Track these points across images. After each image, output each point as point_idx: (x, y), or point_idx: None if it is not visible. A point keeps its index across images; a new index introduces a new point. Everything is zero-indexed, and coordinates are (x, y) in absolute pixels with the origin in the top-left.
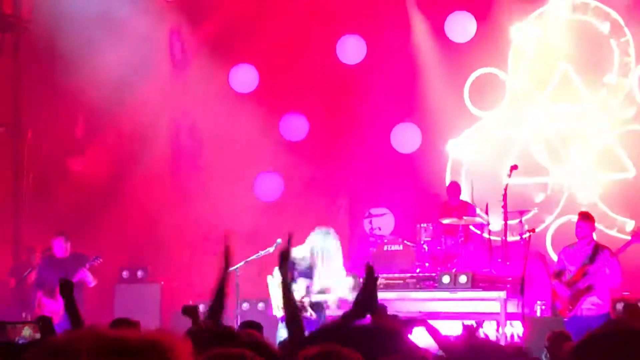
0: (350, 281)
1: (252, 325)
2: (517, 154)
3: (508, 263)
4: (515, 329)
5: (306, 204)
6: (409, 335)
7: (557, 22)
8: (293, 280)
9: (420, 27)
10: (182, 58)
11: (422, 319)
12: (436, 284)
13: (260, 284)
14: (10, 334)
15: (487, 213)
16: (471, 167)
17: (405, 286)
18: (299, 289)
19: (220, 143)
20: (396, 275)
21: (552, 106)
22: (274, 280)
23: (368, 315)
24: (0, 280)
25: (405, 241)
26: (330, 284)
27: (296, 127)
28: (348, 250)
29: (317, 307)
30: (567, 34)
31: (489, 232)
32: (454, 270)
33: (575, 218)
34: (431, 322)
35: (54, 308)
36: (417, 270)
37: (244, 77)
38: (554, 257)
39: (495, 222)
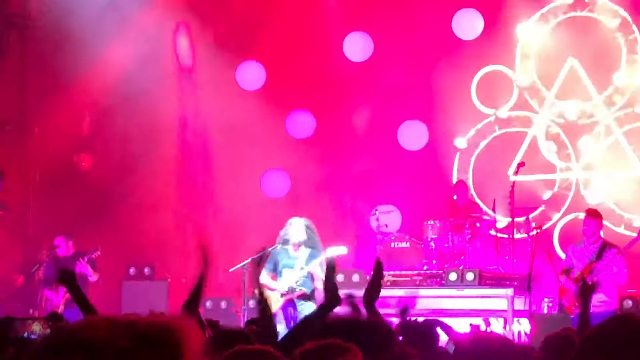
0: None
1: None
2: (524, 151)
3: (515, 260)
4: (523, 326)
5: (313, 201)
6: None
7: (565, 19)
8: (276, 276)
9: (427, 25)
10: (189, 55)
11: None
12: (443, 282)
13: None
14: (19, 329)
15: (494, 210)
16: (478, 164)
17: (412, 283)
18: (285, 280)
19: (227, 140)
20: (403, 272)
21: (559, 103)
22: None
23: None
24: (8, 277)
25: (412, 238)
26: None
27: (303, 124)
28: (355, 248)
29: (307, 283)
30: (574, 31)
31: (496, 230)
32: (461, 268)
33: (582, 215)
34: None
35: (55, 301)
36: (424, 268)
37: (251, 75)
38: (561, 255)
39: (502, 220)
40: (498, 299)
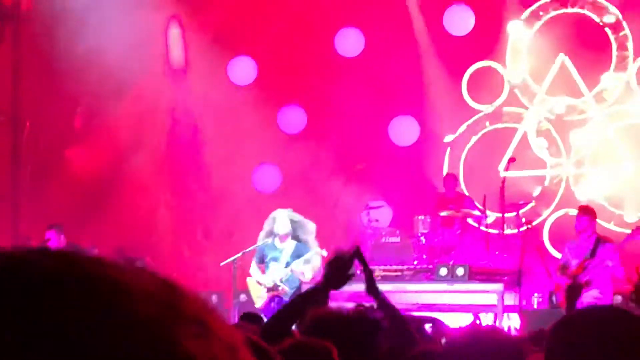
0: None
1: (251, 317)
2: (515, 147)
3: (505, 256)
4: (513, 322)
5: (304, 196)
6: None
7: (556, 15)
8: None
9: (418, 20)
10: (180, 49)
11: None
12: (433, 276)
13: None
14: None
15: (484, 206)
16: (469, 159)
17: (402, 278)
18: (271, 273)
19: (218, 135)
20: (393, 267)
21: (550, 99)
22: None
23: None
24: None
25: (402, 233)
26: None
27: (294, 119)
28: (347, 242)
29: (292, 282)
30: (565, 28)
31: (486, 225)
32: (451, 263)
33: (572, 211)
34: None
35: None
36: (415, 263)
37: (243, 69)
38: (552, 250)
39: (492, 215)
40: (488, 294)
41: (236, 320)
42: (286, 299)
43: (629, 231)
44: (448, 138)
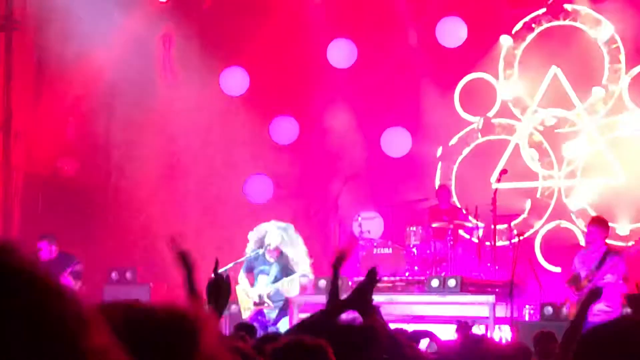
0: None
1: (245, 329)
2: (506, 158)
3: (497, 267)
4: (504, 333)
5: (296, 207)
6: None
7: (548, 27)
8: (254, 279)
9: (411, 32)
10: (172, 60)
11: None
12: (425, 288)
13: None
14: None
15: (476, 217)
16: (461, 171)
17: (394, 289)
18: (259, 287)
19: (210, 145)
20: (385, 278)
21: (542, 111)
22: (240, 286)
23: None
24: None
25: (394, 244)
26: (295, 261)
27: (286, 130)
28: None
29: (277, 296)
30: (558, 40)
31: (478, 237)
32: (443, 274)
33: (564, 223)
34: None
35: None
36: (406, 274)
37: (235, 80)
38: (543, 262)
39: (484, 227)
40: (480, 305)
41: (228, 329)
42: (270, 314)
43: (621, 244)
44: (440, 150)
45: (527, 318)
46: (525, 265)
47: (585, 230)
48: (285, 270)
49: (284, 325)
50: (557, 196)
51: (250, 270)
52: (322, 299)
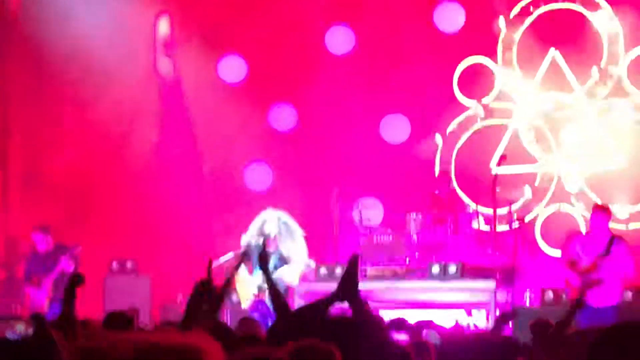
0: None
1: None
2: (506, 143)
3: (497, 253)
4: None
5: (295, 195)
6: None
7: (547, 10)
8: (252, 273)
9: (409, 17)
10: (169, 48)
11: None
12: (426, 274)
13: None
14: (2, 328)
15: (476, 203)
16: (460, 156)
17: (394, 276)
18: (258, 277)
19: (208, 133)
20: (385, 265)
21: (541, 95)
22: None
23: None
24: None
25: (394, 232)
26: (292, 255)
27: (285, 117)
28: (338, 241)
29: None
30: (556, 23)
31: (479, 222)
32: (443, 261)
33: (564, 207)
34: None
35: (39, 297)
36: (407, 261)
37: (233, 68)
38: (543, 246)
39: (484, 212)
40: (481, 291)
41: (229, 319)
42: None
43: (620, 227)
44: (439, 136)
45: (528, 303)
46: (526, 250)
47: (585, 214)
48: (285, 259)
49: None
50: (557, 180)
51: (248, 260)
52: (323, 286)
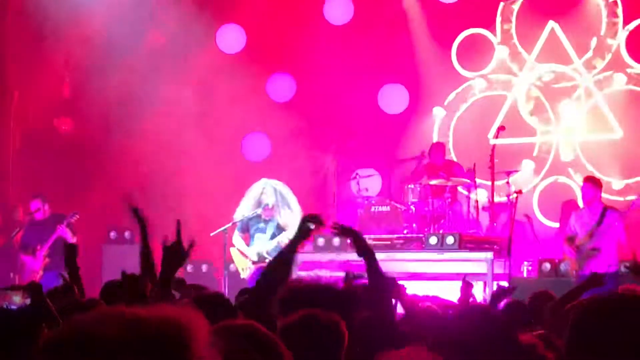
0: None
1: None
2: (504, 114)
3: (495, 224)
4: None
5: (293, 165)
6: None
7: None
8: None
9: None
10: (170, 17)
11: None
12: (423, 245)
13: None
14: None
15: (474, 174)
16: (458, 127)
17: (392, 247)
18: (257, 246)
19: (207, 103)
20: (383, 236)
21: (539, 66)
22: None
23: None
24: None
25: (392, 202)
26: (289, 222)
27: (283, 87)
28: (335, 211)
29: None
30: None
31: (476, 194)
32: (441, 232)
33: (562, 179)
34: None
35: (34, 267)
36: (405, 232)
37: (231, 37)
38: (541, 218)
39: (482, 183)
40: (478, 262)
41: (227, 289)
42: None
43: (617, 198)
44: (437, 107)
45: (525, 274)
46: (524, 222)
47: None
48: (282, 227)
49: None
50: (555, 152)
51: (245, 231)
52: (320, 257)
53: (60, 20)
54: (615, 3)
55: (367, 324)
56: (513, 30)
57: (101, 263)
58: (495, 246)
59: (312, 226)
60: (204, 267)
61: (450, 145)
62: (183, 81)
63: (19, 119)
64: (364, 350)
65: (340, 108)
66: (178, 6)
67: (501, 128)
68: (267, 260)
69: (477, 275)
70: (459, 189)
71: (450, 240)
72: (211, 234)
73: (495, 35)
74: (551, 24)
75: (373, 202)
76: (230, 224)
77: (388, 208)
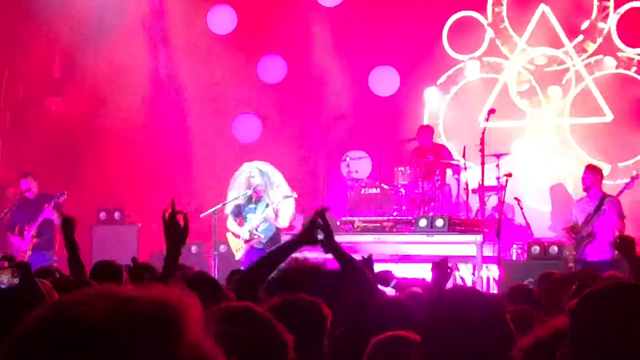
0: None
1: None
2: (495, 97)
3: (485, 207)
4: (491, 272)
5: (284, 146)
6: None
7: None
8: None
9: None
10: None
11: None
12: (413, 228)
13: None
14: None
15: (464, 157)
16: (449, 110)
17: (382, 229)
18: (248, 224)
19: (197, 84)
20: (373, 218)
21: (530, 49)
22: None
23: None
24: None
25: (382, 184)
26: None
27: (274, 69)
28: (325, 193)
29: (267, 231)
30: None
31: (466, 176)
32: (430, 214)
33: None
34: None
35: (21, 246)
36: (394, 214)
37: (222, 19)
38: (530, 201)
39: (472, 166)
40: (467, 245)
41: (217, 270)
42: (260, 247)
43: (606, 182)
44: (428, 90)
45: (514, 257)
46: (513, 205)
47: (571, 170)
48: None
49: None
50: (545, 135)
51: (238, 215)
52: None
53: (53, 8)
54: None
55: (357, 306)
56: (504, 13)
57: (91, 243)
58: (484, 229)
59: (320, 236)
60: (194, 249)
61: (440, 128)
62: (173, 61)
63: (9, 99)
64: (353, 331)
65: (331, 90)
66: None
67: (491, 111)
68: (256, 236)
69: (467, 258)
70: (449, 171)
71: (439, 222)
72: (201, 215)
73: (486, 18)
74: (542, 7)
75: (363, 184)
76: (220, 205)
77: (378, 190)
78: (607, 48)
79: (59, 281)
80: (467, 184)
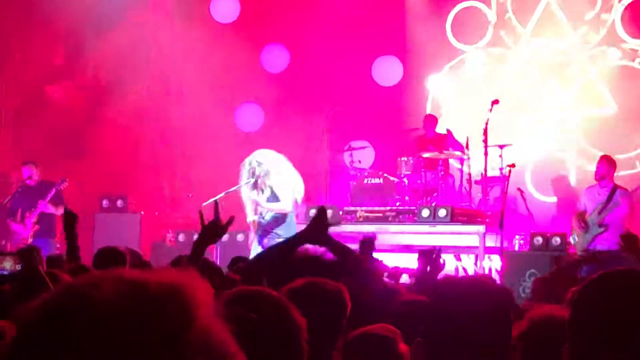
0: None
1: (241, 261)
2: (498, 88)
3: (488, 197)
4: (494, 263)
5: (286, 135)
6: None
7: None
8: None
9: None
10: None
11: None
12: (416, 218)
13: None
14: None
15: (467, 147)
16: (452, 101)
17: (384, 219)
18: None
19: (200, 73)
20: (376, 208)
21: (534, 40)
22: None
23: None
24: None
25: (385, 174)
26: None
27: (277, 58)
28: (328, 183)
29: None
30: None
31: (469, 166)
32: (433, 204)
33: (555, 153)
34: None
35: (23, 233)
36: (397, 204)
37: (225, 7)
38: (533, 192)
39: (475, 156)
40: (470, 235)
41: (219, 258)
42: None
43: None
44: (431, 80)
45: (517, 248)
46: (516, 195)
47: (575, 161)
48: (275, 193)
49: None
50: (548, 126)
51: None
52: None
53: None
54: None
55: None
56: (508, 4)
57: (93, 231)
58: (487, 219)
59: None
60: (196, 237)
61: (443, 118)
62: (176, 50)
63: (12, 86)
64: (351, 318)
65: (334, 80)
66: None
67: (495, 102)
68: (261, 221)
69: (469, 249)
70: (452, 162)
71: (442, 213)
72: (203, 204)
73: (490, 8)
74: None
75: (366, 174)
76: (223, 194)
77: (381, 180)
78: (611, 39)
79: (73, 269)
80: (470, 174)
